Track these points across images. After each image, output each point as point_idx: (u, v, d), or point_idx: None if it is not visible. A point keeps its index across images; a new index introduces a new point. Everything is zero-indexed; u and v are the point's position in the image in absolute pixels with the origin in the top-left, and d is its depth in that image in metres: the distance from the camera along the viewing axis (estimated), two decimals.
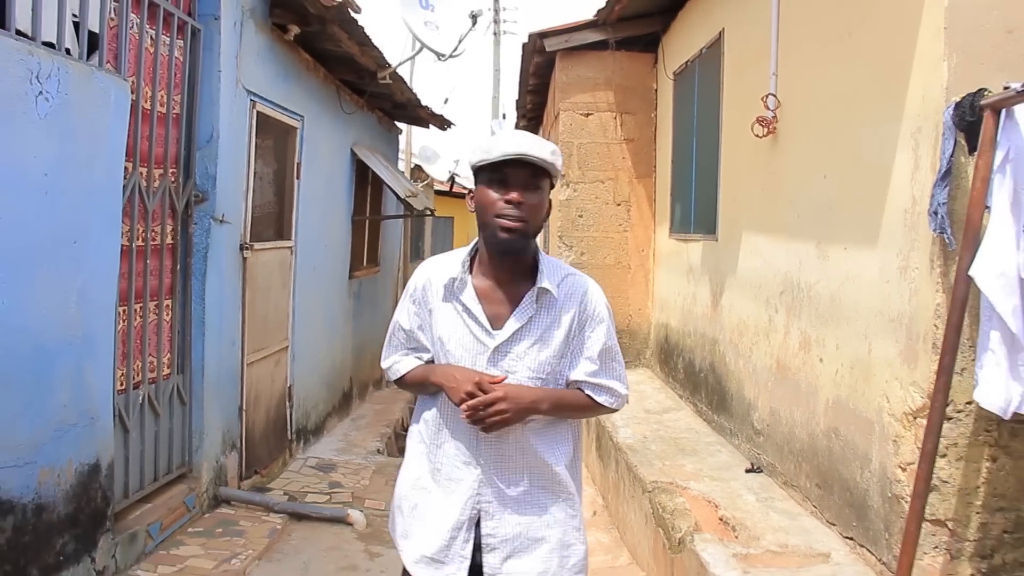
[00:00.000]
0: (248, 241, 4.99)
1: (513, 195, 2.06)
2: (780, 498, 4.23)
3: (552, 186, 2.18)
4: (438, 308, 2.17)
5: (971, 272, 2.58)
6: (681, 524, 3.93)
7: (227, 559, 3.93)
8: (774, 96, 4.52)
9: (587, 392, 2.22)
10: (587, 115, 7.90)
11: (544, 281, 2.15)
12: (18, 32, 3.01)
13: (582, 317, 2.20)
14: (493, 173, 2.09)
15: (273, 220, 5.63)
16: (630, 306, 8.01)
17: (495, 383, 2.06)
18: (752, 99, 4.78)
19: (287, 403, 5.91)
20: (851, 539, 3.57)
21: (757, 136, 4.60)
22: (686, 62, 6.68)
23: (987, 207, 2.61)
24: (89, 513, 3.40)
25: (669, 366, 7.10)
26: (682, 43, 6.87)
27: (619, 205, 7.96)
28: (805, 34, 4.24)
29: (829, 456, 3.82)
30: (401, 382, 2.29)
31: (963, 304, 2.63)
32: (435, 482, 2.19)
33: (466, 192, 2.19)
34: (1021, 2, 2.91)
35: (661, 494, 4.33)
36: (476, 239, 2.24)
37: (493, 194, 2.08)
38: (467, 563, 2.12)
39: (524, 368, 2.13)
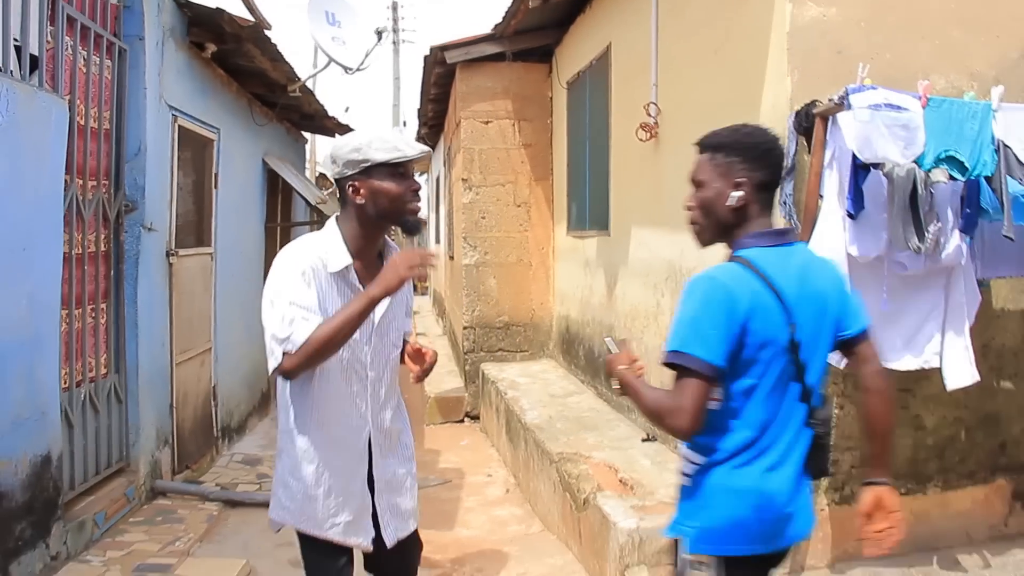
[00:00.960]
0: (173, 248, 5.27)
1: (416, 185, 2.48)
2: (673, 461, 4.76)
3: None
4: (327, 290, 2.41)
5: (808, 248, 3.14)
6: (585, 487, 4.42)
7: (171, 542, 4.23)
8: (655, 104, 5.07)
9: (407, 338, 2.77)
10: (487, 123, 8.37)
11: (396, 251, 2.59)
12: None
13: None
14: (395, 168, 2.42)
15: (194, 228, 5.90)
16: (533, 301, 8.52)
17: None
18: (637, 107, 5.33)
19: (212, 402, 6.18)
20: None
21: (641, 140, 5.15)
22: (578, 72, 7.23)
23: (820, 196, 3.19)
24: (43, 502, 3.67)
25: (571, 355, 7.62)
26: (574, 55, 7.42)
27: (519, 206, 8.45)
28: (680, 49, 4.80)
29: None
30: (306, 347, 2.30)
31: None
32: (335, 457, 2.53)
33: (349, 185, 2.45)
34: (847, 29, 3.52)
35: (567, 463, 4.82)
36: (327, 226, 2.52)
37: (399, 186, 2.43)
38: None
39: (394, 330, 2.62)
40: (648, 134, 5.09)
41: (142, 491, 4.74)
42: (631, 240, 5.69)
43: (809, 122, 3.21)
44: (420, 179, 24.68)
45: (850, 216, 3.03)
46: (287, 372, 2.36)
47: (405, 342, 2.77)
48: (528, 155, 8.39)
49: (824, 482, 3.62)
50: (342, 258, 2.44)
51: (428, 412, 8.60)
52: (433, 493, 6.17)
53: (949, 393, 3.59)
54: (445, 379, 9.48)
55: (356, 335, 2.43)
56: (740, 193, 2.06)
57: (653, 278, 5.22)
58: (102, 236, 4.51)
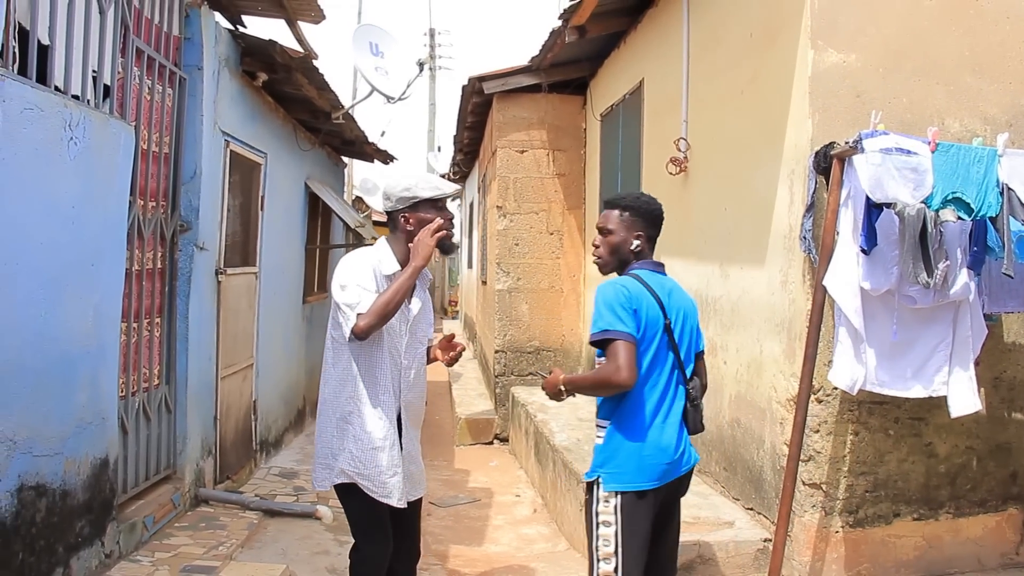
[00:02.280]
0: (222, 266, 5.54)
1: (450, 214, 3.18)
2: (695, 483, 4.92)
3: None
4: (381, 286, 3.05)
5: (824, 282, 3.33)
6: None
7: (214, 546, 4.46)
8: (685, 140, 5.29)
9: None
10: (522, 152, 8.63)
11: (427, 273, 3.23)
12: (55, 88, 3.59)
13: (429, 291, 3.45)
14: (436, 202, 3.14)
15: (240, 248, 6.18)
16: (563, 327, 8.72)
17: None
18: (668, 140, 5.55)
19: (252, 416, 6.44)
20: (751, 509, 4.28)
21: (671, 174, 5.36)
22: (612, 105, 7.47)
23: (837, 232, 3.38)
24: (100, 502, 3.92)
25: None
26: (608, 88, 7.66)
27: (552, 234, 8.68)
28: (709, 88, 5.02)
29: (733, 443, 4.55)
30: (373, 309, 2.92)
31: (821, 307, 3.40)
32: (387, 428, 3.10)
33: (401, 217, 3.17)
34: (866, 74, 3.72)
35: None
36: (379, 243, 3.20)
37: (440, 218, 3.11)
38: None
39: (421, 330, 3.28)
40: (678, 168, 5.30)
41: (187, 498, 4.99)
42: None
43: (828, 162, 3.41)
44: (452, 205, 25.10)
45: (863, 252, 3.22)
46: (359, 332, 2.94)
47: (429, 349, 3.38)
48: (561, 184, 8.63)
49: (838, 504, 3.78)
50: (392, 264, 3.12)
51: (459, 433, 8.81)
52: (463, 511, 6.38)
53: (961, 422, 3.76)
54: (476, 401, 9.70)
55: (396, 325, 3.11)
56: (639, 241, 2.97)
57: None
58: (159, 254, 4.79)
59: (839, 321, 3.39)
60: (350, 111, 8.03)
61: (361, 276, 3.02)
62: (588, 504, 2.91)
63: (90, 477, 3.83)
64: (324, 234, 9.47)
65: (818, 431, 3.72)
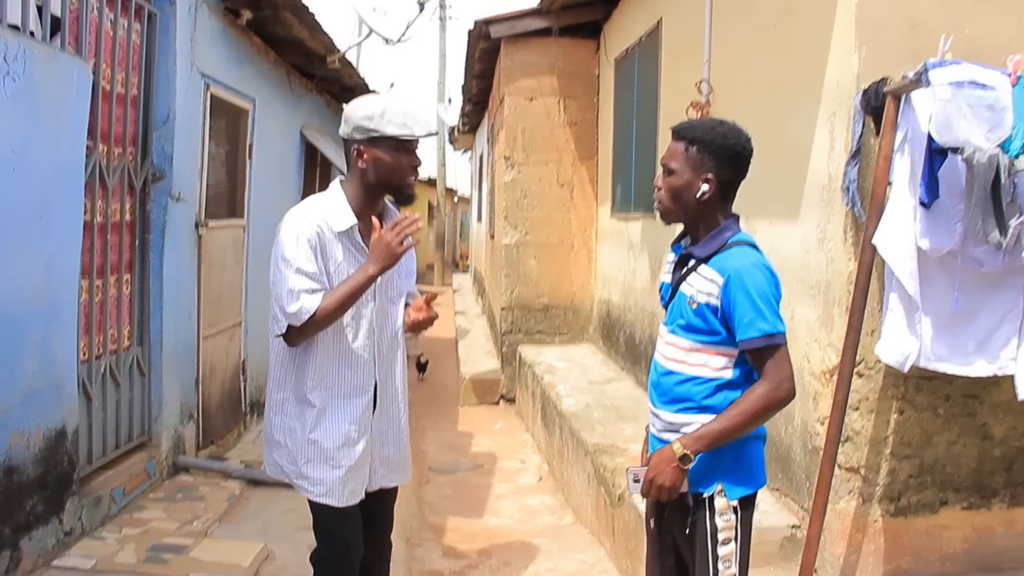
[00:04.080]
0: (203, 219, 5.12)
1: (417, 160, 2.65)
2: None
3: None
4: (333, 250, 2.56)
5: (874, 241, 2.87)
6: (621, 482, 4.20)
7: (189, 521, 4.10)
8: (707, 82, 4.80)
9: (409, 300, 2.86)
10: (531, 99, 8.13)
11: (395, 215, 2.74)
12: None
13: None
14: (401, 143, 2.57)
15: (226, 199, 5.75)
16: (573, 283, 8.29)
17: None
18: (688, 85, 5.06)
19: (241, 377, 6.06)
20: (777, 490, 3.88)
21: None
22: (626, 49, 6.95)
23: (889, 183, 2.91)
24: (56, 476, 3.55)
25: (611, 340, 7.39)
26: (622, 31, 7.13)
27: (562, 186, 8.21)
28: (735, 25, 4.52)
29: None
30: (311, 321, 2.48)
31: (869, 269, 2.94)
32: (334, 415, 2.65)
33: (354, 148, 2.60)
34: (922, 0, 3.22)
35: (602, 455, 4.60)
36: (331, 188, 2.67)
37: (402, 158, 2.59)
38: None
39: (393, 288, 2.75)
40: (699, 113, 4.81)
41: (163, 466, 4.62)
42: (678, 224, 5.42)
43: (879, 101, 2.93)
44: (463, 157, 24.48)
45: (923, 205, 2.75)
46: (290, 340, 2.56)
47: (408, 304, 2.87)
48: (573, 133, 8.13)
49: (878, 490, 3.36)
50: (347, 218, 2.58)
51: (463, 393, 8.44)
52: (464, 478, 6.02)
53: (1021, 402, 3.31)
54: (482, 360, 9.32)
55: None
56: (707, 187, 2.29)
57: None
58: (127, 205, 4.36)
59: (890, 286, 2.93)
60: (348, 56, 7.54)
61: (301, 255, 2.48)
62: (698, 523, 2.32)
63: (43, 450, 3.45)
64: (323, 185, 9.01)
65: (858, 409, 3.29)
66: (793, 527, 3.57)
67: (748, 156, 2.34)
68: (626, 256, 6.91)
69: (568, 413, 5.56)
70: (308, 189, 8.16)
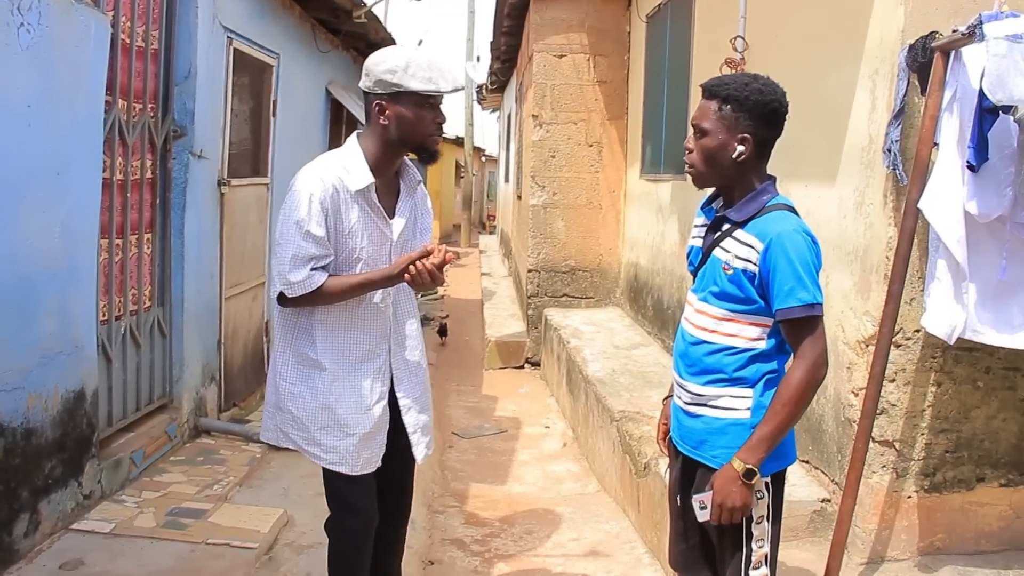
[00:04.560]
0: (225, 177, 5.04)
1: (442, 117, 2.51)
2: None
3: None
4: (348, 210, 2.45)
5: (920, 205, 2.73)
6: (646, 451, 4.12)
7: (209, 485, 4.06)
8: (742, 38, 4.62)
9: None
10: (561, 56, 7.95)
11: (414, 173, 2.66)
12: None
13: (422, 197, 2.74)
14: (425, 98, 2.43)
15: (249, 157, 5.67)
16: (601, 246, 8.16)
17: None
18: (722, 41, 4.88)
19: (264, 338, 6.02)
20: (807, 462, 3.77)
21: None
22: (659, 5, 6.75)
23: (935, 144, 2.76)
24: (75, 439, 3.51)
25: (638, 304, 7.28)
26: None
27: (591, 146, 8.06)
28: None
29: None
30: (317, 293, 2.42)
31: (911, 235, 2.80)
32: (346, 379, 2.55)
33: (375, 104, 2.45)
34: None
35: (628, 423, 4.52)
36: (348, 143, 2.54)
37: (426, 115, 2.45)
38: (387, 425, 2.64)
39: (409, 248, 2.62)
40: (733, 70, 4.65)
41: (184, 429, 4.59)
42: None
43: (926, 57, 2.77)
44: (491, 116, 24.04)
45: (971, 168, 2.59)
46: (283, 304, 2.49)
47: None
48: (602, 92, 7.96)
49: (913, 465, 3.25)
50: (363, 177, 2.46)
51: (488, 357, 8.38)
52: (487, 443, 5.96)
53: None
54: (507, 323, 9.24)
55: (372, 253, 2.53)
56: (743, 148, 2.15)
57: None
58: (148, 163, 4.28)
59: (936, 253, 2.79)
60: (374, 11, 7.39)
61: (311, 217, 2.37)
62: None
63: (61, 412, 3.41)
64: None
65: (894, 380, 3.16)
66: (823, 501, 3.47)
67: (785, 112, 2.20)
68: (655, 219, 6.76)
69: (594, 379, 5.47)
70: (334, 147, 8.06)
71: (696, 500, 2.21)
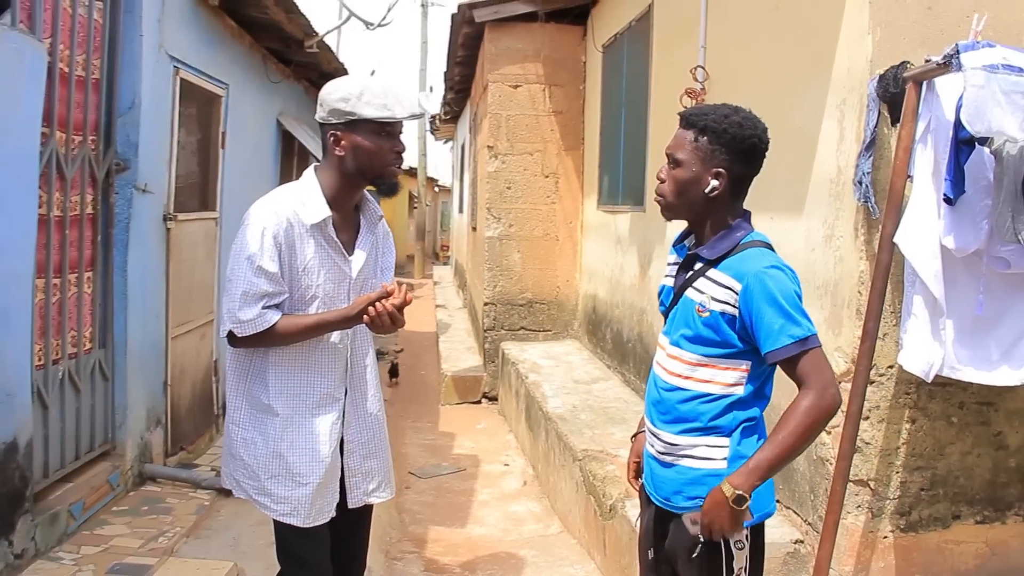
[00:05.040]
0: (172, 212, 4.84)
1: (400, 146, 2.38)
2: None
3: None
4: (303, 246, 2.32)
5: (896, 239, 2.66)
6: (612, 491, 3.99)
7: (154, 537, 3.84)
8: (703, 68, 4.57)
9: None
10: (516, 87, 7.89)
11: (375, 208, 2.52)
12: None
13: (383, 234, 2.60)
14: (381, 126, 2.31)
15: (197, 190, 5.47)
16: (558, 277, 8.06)
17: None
18: (681, 71, 4.83)
19: (213, 377, 5.79)
20: (778, 502, 3.66)
21: (686, 108, 4.65)
22: (615, 35, 6.71)
23: (909, 176, 2.70)
24: (6, 495, 3.27)
25: (597, 337, 7.17)
26: (611, 16, 6.89)
27: (547, 177, 7.98)
28: (734, 7, 4.29)
29: None
30: (269, 334, 2.28)
31: (886, 270, 2.72)
32: (301, 425, 2.41)
33: (331, 134, 2.34)
34: None
35: (592, 462, 4.39)
36: (306, 175, 2.43)
37: (384, 144, 2.33)
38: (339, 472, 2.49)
39: (369, 287, 2.49)
40: (694, 101, 4.59)
41: (128, 477, 4.35)
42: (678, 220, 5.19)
43: (898, 87, 2.71)
44: (444, 147, 24.07)
45: (947, 201, 2.53)
46: (232, 344, 2.37)
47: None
48: (558, 122, 7.90)
49: (888, 504, 3.16)
50: (319, 210, 2.33)
51: (444, 392, 8.20)
52: (446, 483, 5.78)
53: None
54: (464, 356, 9.08)
55: (330, 290, 2.40)
56: (716, 183, 2.06)
57: None
58: (88, 198, 4.08)
59: (912, 288, 2.71)
60: (327, 41, 7.26)
61: (263, 253, 2.25)
62: (711, 554, 2.04)
63: None
64: (300, 176, 8.73)
65: (868, 418, 3.07)
66: (796, 542, 3.37)
67: (764, 149, 2.11)
68: (613, 250, 6.68)
69: (555, 415, 5.33)
70: (285, 180, 7.88)
71: (687, 517, 2.07)
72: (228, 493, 4.54)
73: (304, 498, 2.38)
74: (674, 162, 2.10)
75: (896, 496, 3.16)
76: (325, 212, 2.33)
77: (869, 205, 2.87)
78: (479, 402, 8.17)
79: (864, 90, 2.96)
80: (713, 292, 2.04)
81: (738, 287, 1.99)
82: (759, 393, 2.09)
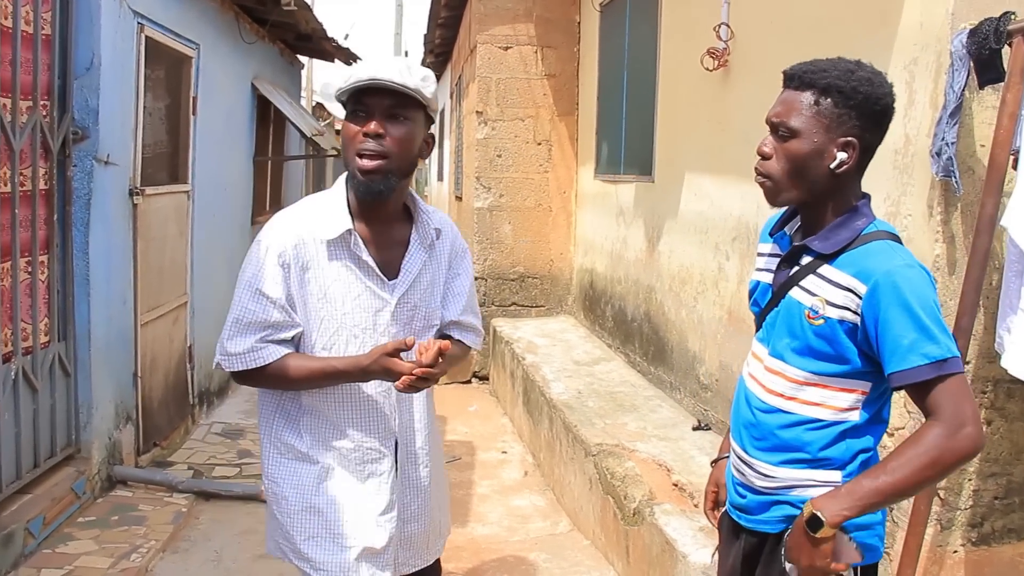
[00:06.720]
0: (139, 185, 4.38)
1: (371, 126, 1.85)
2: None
3: (429, 119, 1.94)
4: (321, 267, 1.92)
5: (1003, 222, 2.27)
6: (635, 493, 3.63)
7: (126, 554, 3.43)
8: (727, 25, 4.15)
9: (456, 335, 2.14)
10: (506, 48, 7.41)
11: (431, 221, 2.05)
12: None
13: (452, 253, 2.12)
14: (356, 104, 1.88)
15: (167, 161, 5.00)
16: (551, 250, 7.66)
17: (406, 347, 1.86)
18: (696, 30, 4.42)
19: (188, 364, 5.35)
20: None
21: (707, 69, 4.23)
22: None
23: (1015, 149, 2.30)
24: None
25: (595, 313, 6.79)
26: None
27: (540, 144, 7.54)
28: None
29: None
30: (266, 373, 1.91)
31: (984, 257, 2.33)
32: (344, 477, 1.99)
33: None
34: None
35: (608, 458, 4.02)
36: (337, 183, 2.02)
37: (353, 127, 1.88)
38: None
39: (420, 318, 2.04)
40: (716, 61, 4.18)
41: (95, 482, 3.93)
42: (683, 189, 4.80)
43: (1000, 43, 2.31)
44: None
45: None
46: (238, 381, 2.00)
47: (449, 336, 2.14)
48: (551, 86, 7.44)
49: (959, 515, 2.81)
50: (339, 222, 1.92)
51: None
52: None
53: None
54: None
55: (371, 326, 1.95)
56: (845, 155, 1.65)
57: (714, 236, 4.36)
58: (41, 171, 3.61)
59: (1019, 279, 2.33)
60: None
61: (263, 269, 1.88)
62: None
63: None
64: (277, 145, 8.24)
65: None
66: None
67: (893, 112, 1.69)
68: (614, 222, 6.27)
69: (559, 403, 4.95)
70: (260, 148, 7.39)
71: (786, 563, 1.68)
72: (208, 496, 4.17)
73: (349, 565, 1.97)
74: (786, 132, 1.67)
75: (968, 506, 2.81)
76: (344, 225, 1.91)
77: (953, 180, 2.47)
78: (469, 382, 7.79)
79: (943, 47, 2.56)
80: (829, 295, 1.64)
81: (862, 289, 1.58)
82: (876, 419, 1.70)
